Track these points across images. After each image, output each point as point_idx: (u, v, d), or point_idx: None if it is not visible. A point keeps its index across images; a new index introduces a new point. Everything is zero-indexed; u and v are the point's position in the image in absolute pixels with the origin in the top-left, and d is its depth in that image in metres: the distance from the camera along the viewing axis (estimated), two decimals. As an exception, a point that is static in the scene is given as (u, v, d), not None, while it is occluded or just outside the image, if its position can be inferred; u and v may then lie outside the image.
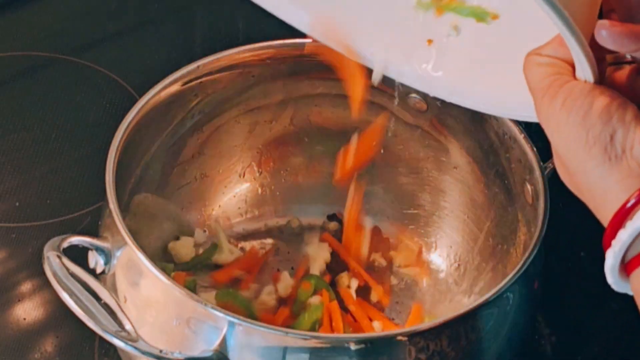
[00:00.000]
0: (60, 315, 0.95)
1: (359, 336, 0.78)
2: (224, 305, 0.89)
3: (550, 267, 1.00)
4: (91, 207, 1.04)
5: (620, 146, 0.62)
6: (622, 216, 0.63)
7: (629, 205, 0.62)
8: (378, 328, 0.93)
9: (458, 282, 0.98)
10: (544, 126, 0.65)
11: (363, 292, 0.97)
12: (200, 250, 0.98)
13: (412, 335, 0.77)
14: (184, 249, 0.97)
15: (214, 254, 0.97)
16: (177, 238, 0.98)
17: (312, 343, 0.76)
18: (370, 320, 0.94)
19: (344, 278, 0.97)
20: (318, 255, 0.98)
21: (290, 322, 0.91)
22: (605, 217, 0.66)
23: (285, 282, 0.95)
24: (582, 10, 0.62)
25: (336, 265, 0.99)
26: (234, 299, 0.92)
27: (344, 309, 0.94)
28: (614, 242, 0.63)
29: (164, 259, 0.96)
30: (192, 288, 0.91)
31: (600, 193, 0.66)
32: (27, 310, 0.96)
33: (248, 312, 0.91)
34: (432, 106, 0.97)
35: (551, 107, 0.64)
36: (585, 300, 1.01)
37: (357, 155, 0.96)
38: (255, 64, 0.96)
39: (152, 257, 0.85)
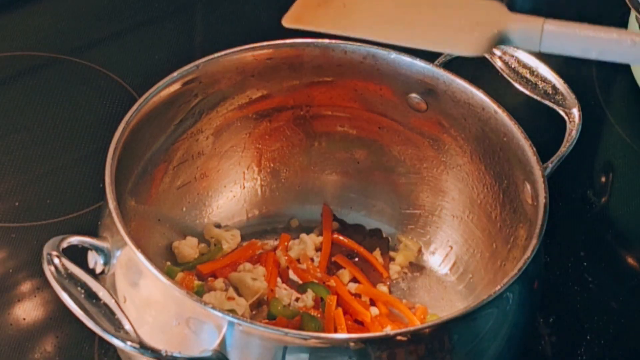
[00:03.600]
0: (60, 315, 0.95)
1: (359, 336, 0.78)
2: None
3: (550, 267, 1.00)
4: (91, 207, 1.04)
5: None
6: None
7: None
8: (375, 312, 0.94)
9: (458, 282, 0.98)
10: None
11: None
12: (205, 251, 0.98)
13: (412, 335, 0.77)
14: (188, 248, 0.97)
15: (218, 254, 0.97)
16: (184, 237, 0.98)
17: (312, 343, 0.76)
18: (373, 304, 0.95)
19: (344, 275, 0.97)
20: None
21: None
22: None
23: (281, 294, 0.95)
24: None
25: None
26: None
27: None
28: None
29: (167, 259, 0.96)
30: (200, 293, 0.91)
31: None
32: (27, 310, 0.96)
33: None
34: (432, 106, 0.97)
35: None
36: (585, 300, 1.01)
37: None
38: (255, 64, 0.96)
39: (155, 257, 0.85)
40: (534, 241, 0.82)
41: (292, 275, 0.97)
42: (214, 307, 0.76)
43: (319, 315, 0.92)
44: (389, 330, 0.91)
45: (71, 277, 0.76)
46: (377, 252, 1.00)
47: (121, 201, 0.84)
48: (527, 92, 0.95)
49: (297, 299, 0.94)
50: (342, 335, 0.87)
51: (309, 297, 0.94)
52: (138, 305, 0.80)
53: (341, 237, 1.01)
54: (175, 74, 0.92)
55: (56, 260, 0.77)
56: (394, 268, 1.00)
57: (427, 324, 0.79)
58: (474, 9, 0.81)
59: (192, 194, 1.00)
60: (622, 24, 1.24)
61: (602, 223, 1.09)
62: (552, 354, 0.97)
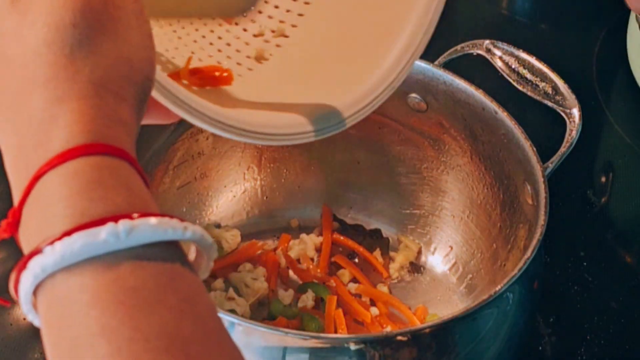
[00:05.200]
0: (60, 315, 0.95)
1: (359, 336, 0.78)
2: None
3: (550, 267, 1.00)
4: (91, 207, 1.04)
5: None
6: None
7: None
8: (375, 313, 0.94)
9: (458, 282, 0.98)
10: None
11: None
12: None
13: (412, 335, 0.77)
14: (187, 248, 0.96)
15: (218, 255, 0.97)
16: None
17: (312, 343, 0.76)
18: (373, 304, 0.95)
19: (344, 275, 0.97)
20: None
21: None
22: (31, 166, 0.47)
23: (281, 294, 0.95)
24: None
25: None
26: None
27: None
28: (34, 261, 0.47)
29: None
30: None
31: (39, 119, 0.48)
32: (27, 310, 0.96)
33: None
34: (432, 106, 0.97)
35: None
36: (585, 300, 1.01)
37: None
38: (255, 64, 0.96)
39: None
40: (534, 241, 0.82)
41: (292, 275, 0.97)
42: (214, 307, 0.76)
43: (319, 315, 0.92)
44: (389, 330, 0.91)
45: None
46: (377, 252, 1.00)
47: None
48: (527, 92, 0.95)
49: (297, 299, 0.94)
50: (342, 335, 0.87)
51: (309, 297, 0.94)
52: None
53: (341, 237, 1.01)
54: (175, 74, 0.92)
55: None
56: (394, 268, 1.00)
57: (427, 324, 0.79)
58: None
59: (192, 194, 1.00)
60: (623, 24, 1.24)
61: (602, 223, 1.09)
62: (552, 354, 0.97)
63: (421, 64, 0.95)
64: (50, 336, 0.45)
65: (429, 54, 0.97)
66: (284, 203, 1.04)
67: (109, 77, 0.49)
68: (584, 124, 0.93)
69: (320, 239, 1.00)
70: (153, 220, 0.45)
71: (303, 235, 1.00)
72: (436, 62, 0.96)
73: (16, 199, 0.48)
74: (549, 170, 0.90)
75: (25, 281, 0.46)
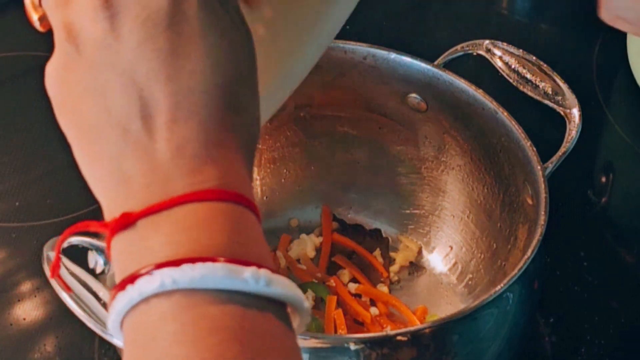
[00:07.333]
0: (60, 315, 0.95)
1: (359, 336, 0.78)
2: None
3: (550, 267, 1.00)
4: (91, 207, 1.04)
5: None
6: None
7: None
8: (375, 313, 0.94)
9: (458, 282, 0.98)
10: None
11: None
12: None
13: (412, 335, 0.77)
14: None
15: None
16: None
17: (312, 343, 0.76)
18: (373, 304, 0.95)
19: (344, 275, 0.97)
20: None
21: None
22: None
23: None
24: None
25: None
26: None
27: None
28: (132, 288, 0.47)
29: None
30: None
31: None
32: (27, 310, 0.96)
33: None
34: (432, 106, 0.97)
35: None
36: (585, 300, 1.01)
37: None
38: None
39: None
40: (534, 241, 0.82)
41: (292, 275, 0.97)
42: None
43: (319, 315, 0.92)
44: (389, 330, 0.91)
45: (71, 277, 0.76)
46: (377, 252, 1.00)
47: (121, 201, 0.84)
48: (527, 92, 0.95)
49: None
50: (342, 335, 0.87)
51: (309, 297, 0.94)
52: (138, 305, 0.80)
53: (341, 237, 1.01)
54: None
55: (56, 260, 0.77)
56: (394, 268, 1.00)
57: (427, 324, 0.79)
58: None
59: (192, 194, 1.00)
60: (622, 24, 1.24)
61: (602, 223, 1.09)
62: (552, 354, 0.97)
63: (421, 64, 0.95)
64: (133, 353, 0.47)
65: (429, 54, 0.97)
66: (284, 203, 1.04)
67: (247, 140, 0.51)
68: (584, 124, 0.93)
69: (320, 239, 1.00)
70: (286, 281, 0.48)
71: (303, 235, 1.00)
72: (436, 62, 0.96)
73: (129, 206, 0.49)
74: (549, 170, 0.90)
75: (149, 285, 0.46)
